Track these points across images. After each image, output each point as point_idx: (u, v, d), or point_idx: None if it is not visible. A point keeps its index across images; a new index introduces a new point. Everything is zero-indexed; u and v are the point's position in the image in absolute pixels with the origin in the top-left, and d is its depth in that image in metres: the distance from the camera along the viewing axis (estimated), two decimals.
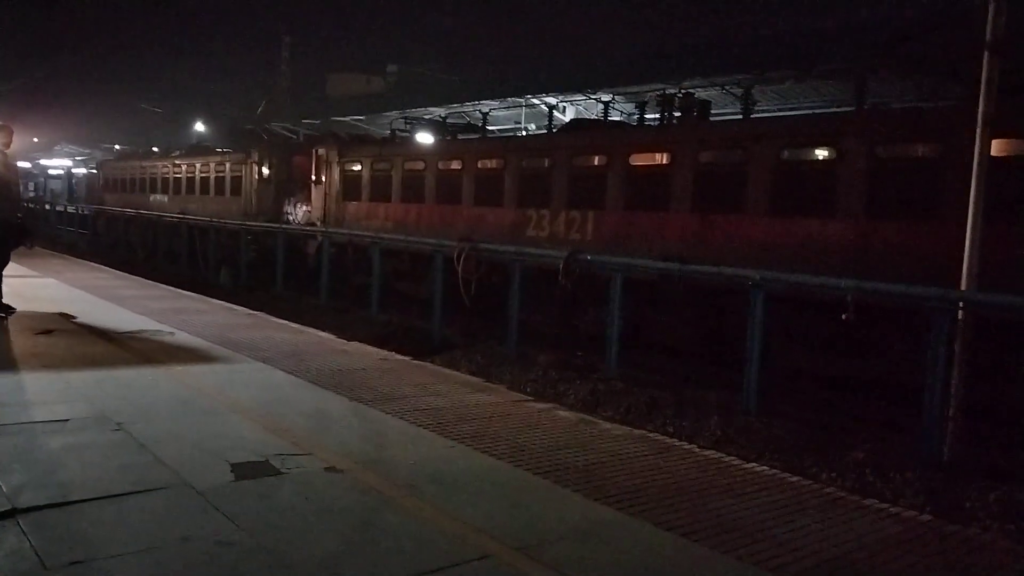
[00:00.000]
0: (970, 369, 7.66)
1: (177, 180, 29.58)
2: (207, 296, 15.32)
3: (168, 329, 10.79)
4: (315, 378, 8.29)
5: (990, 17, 7.63)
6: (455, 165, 17.28)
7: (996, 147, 8.26)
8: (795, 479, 5.90)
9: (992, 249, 7.97)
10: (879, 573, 4.27)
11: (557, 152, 14.92)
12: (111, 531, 4.27)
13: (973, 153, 7.74)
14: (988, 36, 7.63)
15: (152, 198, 31.17)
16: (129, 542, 4.15)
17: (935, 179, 9.74)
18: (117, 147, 46.23)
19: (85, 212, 36.86)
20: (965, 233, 7.73)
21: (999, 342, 8.78)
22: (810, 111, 17.75)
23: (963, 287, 7.68)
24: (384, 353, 10.19)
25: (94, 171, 42.88)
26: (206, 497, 4.80)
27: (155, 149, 36.34)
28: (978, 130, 7.72)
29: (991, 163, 7.77)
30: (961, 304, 7.65)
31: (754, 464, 6.30)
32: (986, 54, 7.66)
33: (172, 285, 16.88)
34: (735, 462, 6.25)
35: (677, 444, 6.77)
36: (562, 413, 7.58)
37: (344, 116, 31.00)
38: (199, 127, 40.40)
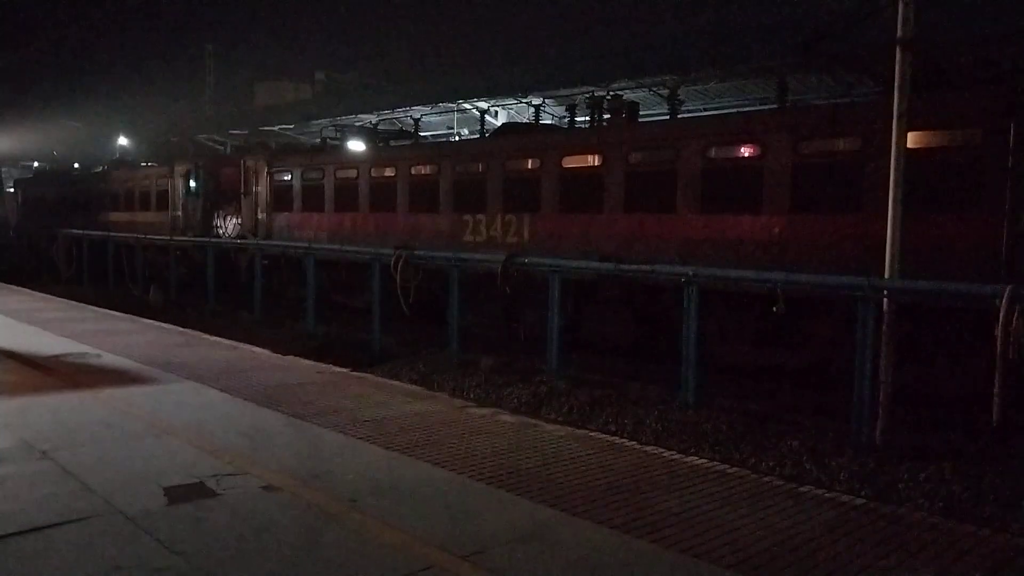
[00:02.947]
0: (898, 354, 7.91)
1: (101, 197, 28.67)
2: (136, 316, 14.87)
3: (95, 351, 10.43)
4: (250, 395, 8.10)
5: (900, 14, 7.90)
6: (389, 172, 17.13)
7: (912, 139, 8.57)
8: (733, 470, 6.00)
9: (913, 237, 8.25)
10: (815, 557, 4.37)
11: (490, 157, 14.93)
12: (37, 566, 4.10)
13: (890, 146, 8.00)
14: (899, 33, 7.91)
15: (75, 216, 30.11)
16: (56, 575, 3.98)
17: (856, 172, 10.05)
18: (36, 164, 44.49)
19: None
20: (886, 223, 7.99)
21: (923, 327, 9.11)
22: (735, 110, 18.15)
23: (887, 275, 7.93)
24: (322, 366, 10.03)
25: (11, 190, 41.17)
26: (138, 523, 4.64)
27: (76, 166, 35.13)
28: (894, 123, 7.99)
29: (908, 155, 8.04)
30: (885, 292, 7.89)
31: (693, 457, 6.40)
32: (898, 50, 7.93)
33: (99, 306, 16.33)
34: (675, 456, 6.34)
35: (619, 442, 6.83)
36: (505, 417, 7.58)
37: (272, 125, 30.43)
38: (122, 141, 39.12)
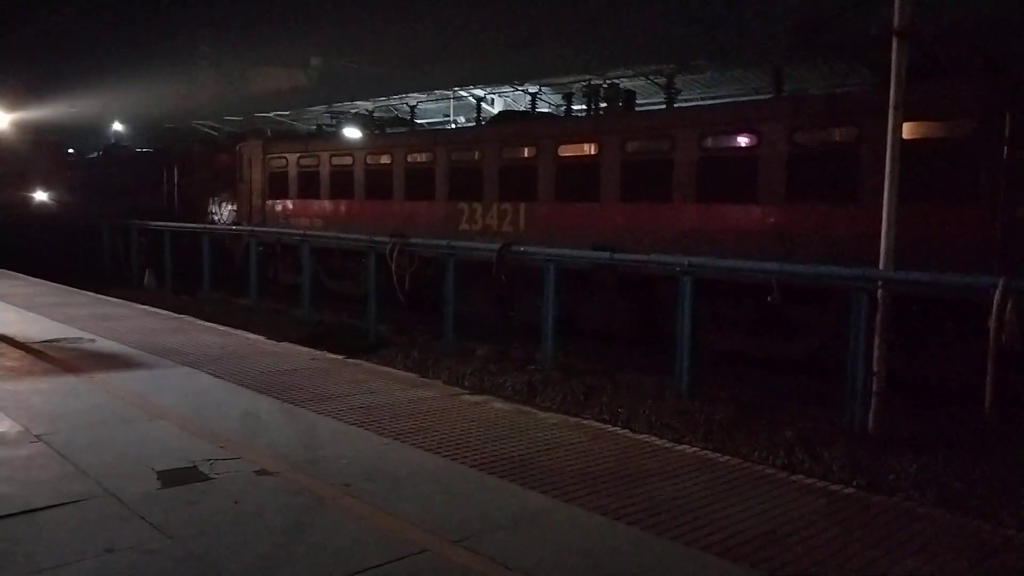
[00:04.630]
0: (891, 344, 7.93)
1: (96, 183, 28.56)
2: (131, 301, 14.85)
3: (89, 336, 10.41)
4: (244, 381, 8.10)
5: (897, 3, 7.88)
6: (384, 159, 17.10)
7: (908, 130, 8.56)
8: (725, 459, 6.02)
9: (908, 227, 8.25)
10: (805, 546, 4.40)
11: (487, 144, 14.90)
12: (30, 547, 4.10)
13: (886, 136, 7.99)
14: (896, 22, 7.88)
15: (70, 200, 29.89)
16: (49, 557, 3.99)
17: (852, 162, 10.06)
18: None
19: None
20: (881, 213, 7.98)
21: (917, 317, 9.13)
22: (732, 99, 18.13)
23: (881, 266, 7.93)
24: (316, 353, 10.03)
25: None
26: (131, 506, 4.65)
27: (71, 151, 34.94)
28: (890, 113, 7.97)
29: (904, 145, 8.02)
30: (880, 282, 7.90)
31: (686, 446, 6.42)
32: (895, 39, 7.90)
33: (94, 291, 16.29)
34: (668, 445, 6.36)
35: (612, 430, 6.84)
36: (498, 405, 7.59)
37: (268, 112, 30.34)
38: (117, 127, 38.94)
